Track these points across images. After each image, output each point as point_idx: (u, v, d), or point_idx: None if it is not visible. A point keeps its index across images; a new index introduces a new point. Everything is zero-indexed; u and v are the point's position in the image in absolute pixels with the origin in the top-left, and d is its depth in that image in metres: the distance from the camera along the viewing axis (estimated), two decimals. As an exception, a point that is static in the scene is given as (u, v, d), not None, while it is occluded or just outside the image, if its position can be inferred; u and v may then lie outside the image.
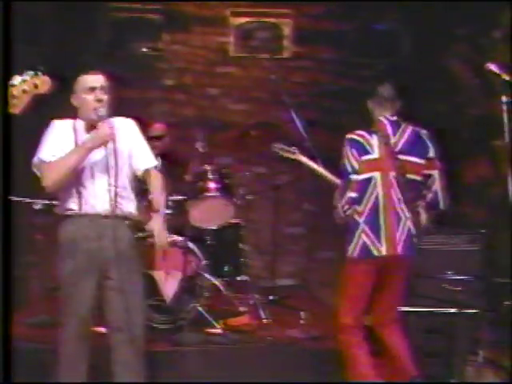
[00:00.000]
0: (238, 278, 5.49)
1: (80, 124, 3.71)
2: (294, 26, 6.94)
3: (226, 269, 5.48)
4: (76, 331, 3.61)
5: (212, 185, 5.25)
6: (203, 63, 7.03)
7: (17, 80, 2.66)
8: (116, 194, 3.63)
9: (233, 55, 7.03)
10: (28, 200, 5.25)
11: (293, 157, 4.46)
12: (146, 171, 3.84)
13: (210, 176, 5.27)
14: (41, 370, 4.38)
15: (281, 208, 6.15)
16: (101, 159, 3.62)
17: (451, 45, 6.10)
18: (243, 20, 6.95)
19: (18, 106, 2.67)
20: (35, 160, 3.60)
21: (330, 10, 6.84)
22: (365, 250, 3.87)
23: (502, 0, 5.32)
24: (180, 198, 5.21)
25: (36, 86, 2.66)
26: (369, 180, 3.89)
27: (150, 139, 5.40)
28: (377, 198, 3.88)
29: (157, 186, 3.85)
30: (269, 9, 6.94)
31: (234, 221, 5.52)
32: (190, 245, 5.11)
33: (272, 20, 6.95)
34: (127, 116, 3.87)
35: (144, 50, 6.87)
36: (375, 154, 3.90)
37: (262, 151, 6.59)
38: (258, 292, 5.56)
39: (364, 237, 3.87)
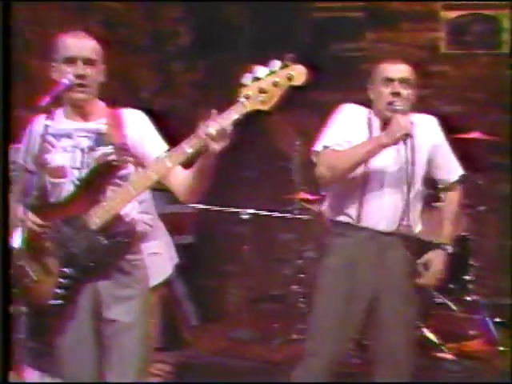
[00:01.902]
0: (467, 298, 4.94)
1: (375, 120, 3.18)
2: (515, 17, 6.32)
3: (452, 286, 4.93)
4: (328, 361, 3.13)
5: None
6: (412, 62, 6.51)
7: (262, 72, 2.26)
8: (405, 210, 3.11)
9: (445, 52, 6.55)
10: (234, 209, 5.17)
11: None
12: (449, 184, 3.33)
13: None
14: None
15: (507, 220, 5.57)
16: (394, 166, 3.10)
17: None
18: (456, 13, 6.46)
19: (267, 101, 2.28)
20: (317, 147, 3.13)
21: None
22: None
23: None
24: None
25: (290, 78, 2.24)
26: None
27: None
28: None
29: (452, 206, 3.35)
30: (485, 0, 6.40)
31: (461, 233, 4.97)
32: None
33: (489, 12, 6.39)
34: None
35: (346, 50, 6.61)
36: None
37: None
38: (488, 313, 4.99)
39: None
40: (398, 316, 3.12)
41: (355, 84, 6.54)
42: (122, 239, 2.63)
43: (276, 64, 2.27)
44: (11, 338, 2.58)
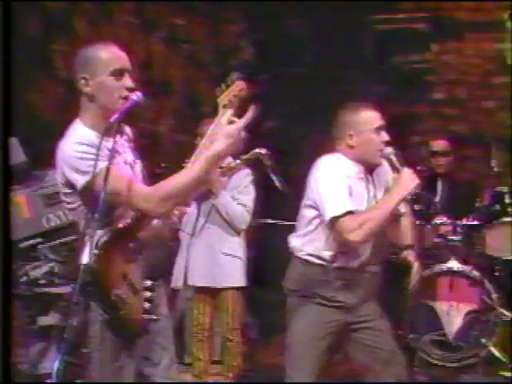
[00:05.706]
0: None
1: (349, 165, 3.19)
2: None
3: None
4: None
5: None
6: (478, 74, 6.48)
7: (223, 86, 2.66)
8: None
9: (512, 63, 6.40)
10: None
11: None
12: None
13: (509, 199, 4.70)
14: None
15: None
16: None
17: None
18: (524, 23, 6.29)
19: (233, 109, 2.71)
20: (336, 212, 3.05)
21: None
22: None
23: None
24: (472, 223, 4.74)
25: (241, 91, 2.65)
26: None
27: (433, 155, 5.10)
28: None
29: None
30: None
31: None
32: (478, 275, 4.61)
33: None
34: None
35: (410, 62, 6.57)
36: None
37: None
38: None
39: None
40: None
41: (419, 97, 6.56)
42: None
43: (229, 80, 2.64)
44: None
